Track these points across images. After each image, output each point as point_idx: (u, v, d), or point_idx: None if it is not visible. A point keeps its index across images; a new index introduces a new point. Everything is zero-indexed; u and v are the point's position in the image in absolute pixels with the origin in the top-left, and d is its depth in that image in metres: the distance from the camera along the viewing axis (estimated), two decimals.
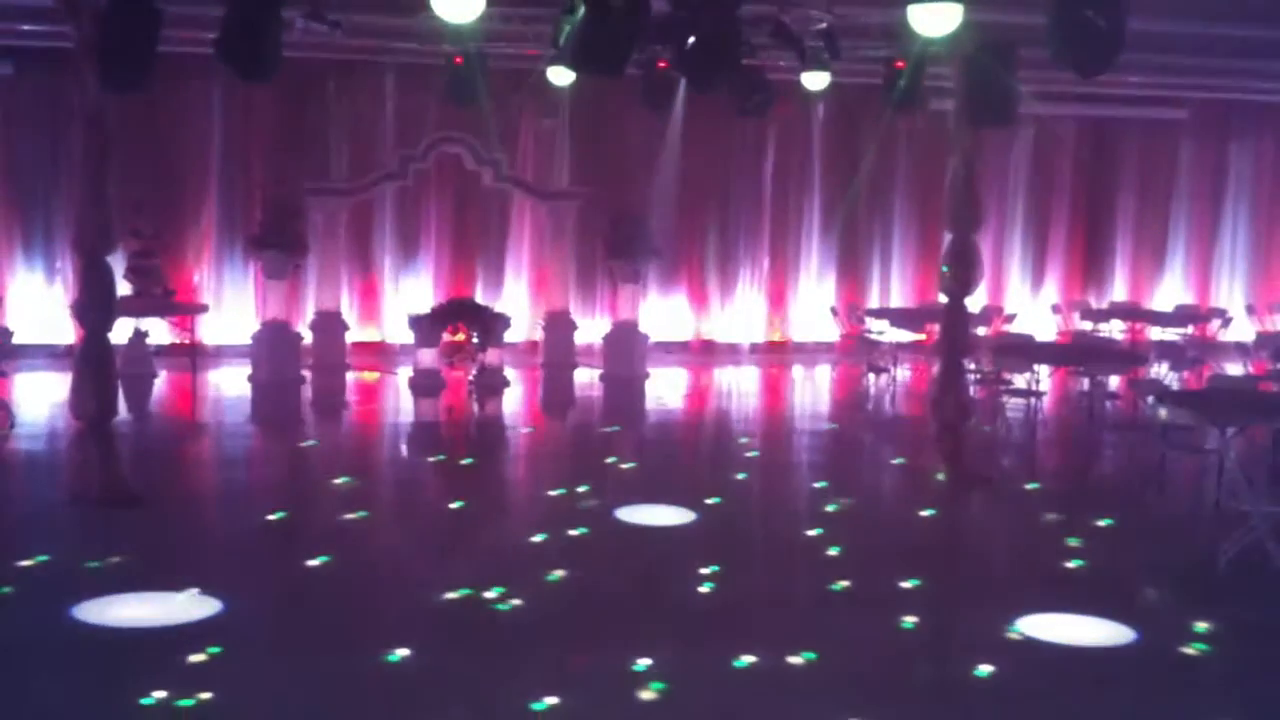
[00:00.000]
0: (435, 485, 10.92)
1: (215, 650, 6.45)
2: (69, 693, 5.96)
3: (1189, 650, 6.91)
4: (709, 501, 9.83)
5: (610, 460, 11.51)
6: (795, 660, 6.52)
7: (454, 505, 9.67)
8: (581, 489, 10.15)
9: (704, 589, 7.75)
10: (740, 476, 10.96)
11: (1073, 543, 8.92)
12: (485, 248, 17.38)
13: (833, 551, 8.62)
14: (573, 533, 8.90)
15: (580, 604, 7.49)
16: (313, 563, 8.02)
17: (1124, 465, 12.00)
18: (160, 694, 5.87)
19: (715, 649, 6.65)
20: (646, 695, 6.07)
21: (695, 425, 14.12)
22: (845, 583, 7.93)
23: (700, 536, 9.03)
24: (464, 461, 11.64)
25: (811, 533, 9.10)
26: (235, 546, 8.57)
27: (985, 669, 6.55)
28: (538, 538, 8.73)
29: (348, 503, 9.62)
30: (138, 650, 6.52)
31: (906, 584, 7.90)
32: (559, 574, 7.91)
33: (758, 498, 10.57)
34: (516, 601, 7.38)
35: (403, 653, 6.49)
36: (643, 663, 6.40)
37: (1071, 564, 8.51)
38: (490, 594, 7.45)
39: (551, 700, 5.92)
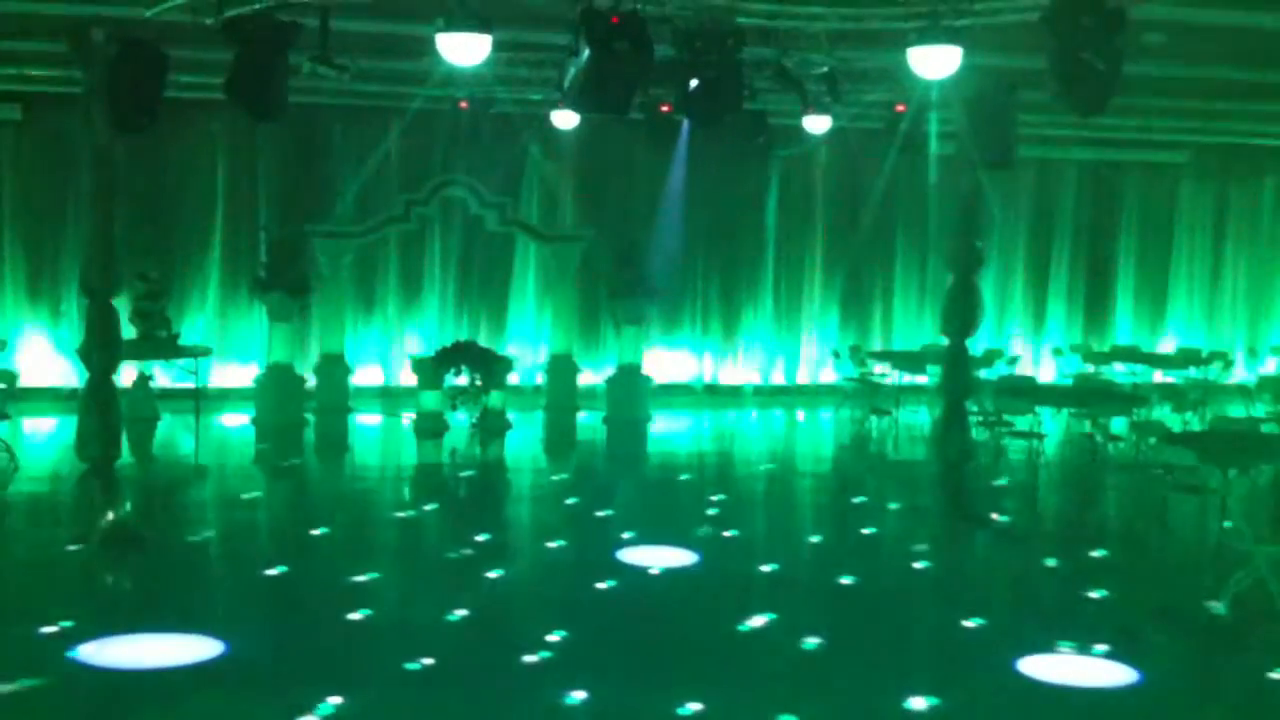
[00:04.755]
0: (437, 530, 10.92)
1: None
2: None
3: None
4: (710, 542, 9.82)
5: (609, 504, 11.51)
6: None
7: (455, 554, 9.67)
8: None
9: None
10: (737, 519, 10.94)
11: (1075, 584, 8.90)
12: (489, 290, 17.43)
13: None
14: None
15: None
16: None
17: (1126, 506, 11.96)
18: None
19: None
20: None
21: (697, 468, 14.10)
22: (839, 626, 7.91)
23: (701, 577, 9.02)
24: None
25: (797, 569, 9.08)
26: (237, 590, 8.56)
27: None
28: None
29: (349, 551, 9.60)
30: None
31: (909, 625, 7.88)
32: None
33: (759, 540, 10.53)
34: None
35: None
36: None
37: (1073, 605, 8.48)
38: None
39: None
